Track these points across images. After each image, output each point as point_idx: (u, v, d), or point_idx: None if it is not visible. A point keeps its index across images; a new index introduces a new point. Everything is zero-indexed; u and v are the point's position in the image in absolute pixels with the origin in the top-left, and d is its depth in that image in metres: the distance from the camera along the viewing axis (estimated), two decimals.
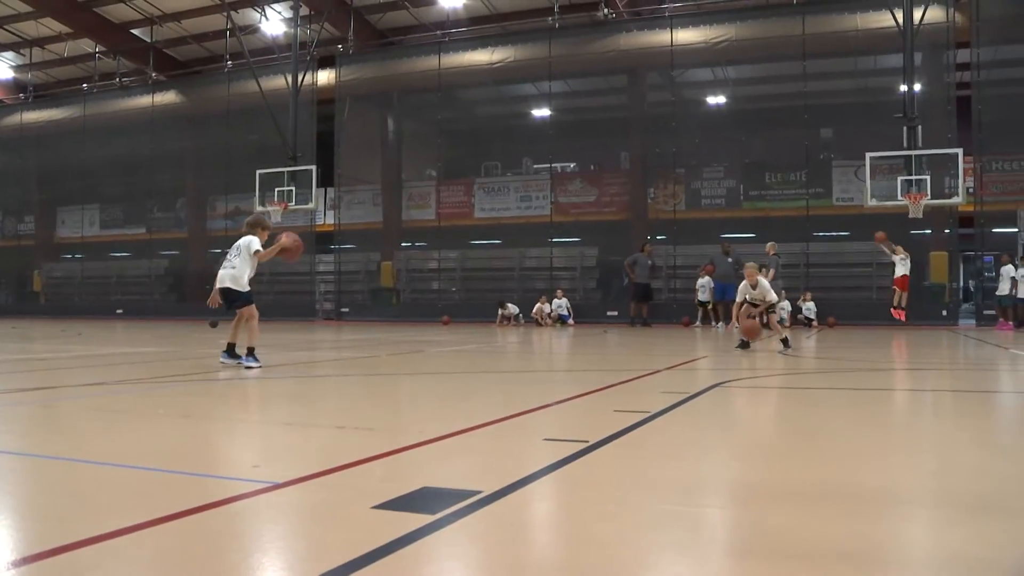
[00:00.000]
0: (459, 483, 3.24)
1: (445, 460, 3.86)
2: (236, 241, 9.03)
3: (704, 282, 23.09)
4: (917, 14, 21.32)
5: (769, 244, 22.13)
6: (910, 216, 20.96)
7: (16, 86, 39.86)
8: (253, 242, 8.79)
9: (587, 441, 4.12)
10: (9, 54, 37.81)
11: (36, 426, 5.18)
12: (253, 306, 8.85)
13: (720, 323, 21.87)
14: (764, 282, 11.91)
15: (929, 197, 20.71)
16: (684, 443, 4.50)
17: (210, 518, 2.76)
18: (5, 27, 34.90)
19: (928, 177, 20.78)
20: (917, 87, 21.89)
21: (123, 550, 2.46)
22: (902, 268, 20.52)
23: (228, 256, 8.89)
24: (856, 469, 3.77)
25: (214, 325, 20.81)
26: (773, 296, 11.95)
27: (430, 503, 2.91)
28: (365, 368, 9.40)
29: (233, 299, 8.77)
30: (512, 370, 9.61)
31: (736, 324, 12.01)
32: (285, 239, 8.89)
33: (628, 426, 4.67)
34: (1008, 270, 21.71)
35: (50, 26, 34.05)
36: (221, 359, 8.79)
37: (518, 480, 3.28)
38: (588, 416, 5.44)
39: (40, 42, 35.72)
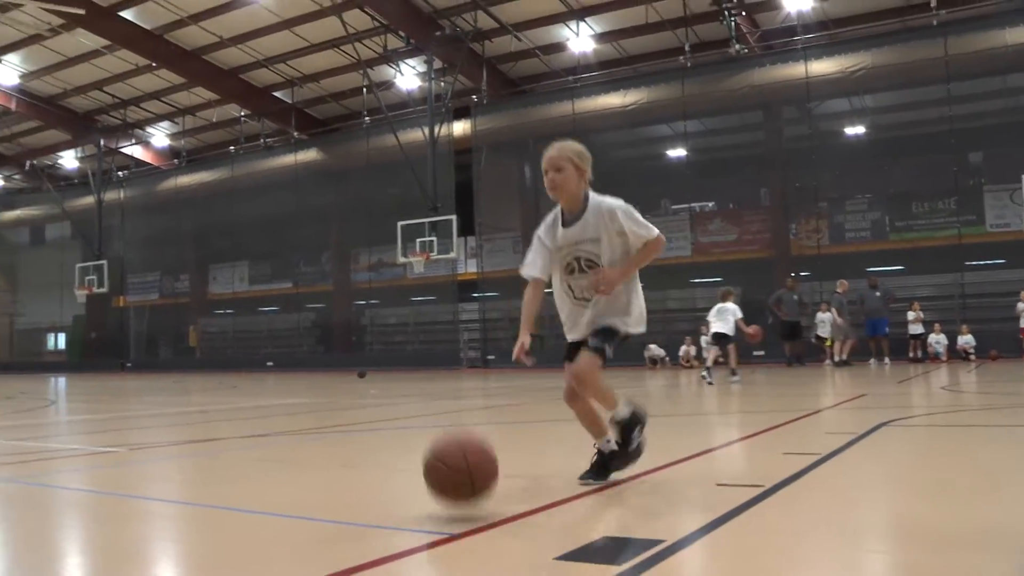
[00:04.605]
0: (639, 532, 3.16)
1: (620, 508, 3.78)
2: (718, 304, 14.24)
3: (825, 317, 22.20)
4: None
5: (840, 282, 22.18)
6: None
7: (171, 152, 41.96)
8: (738, 310, 14.02)
9: (762, 486, 3.97)
10: (165, 123, 39.90)
11: (206, 477, 5.30)
12: (734, 344, 14.10)
13: (884, 358, 21.29)
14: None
15: None
16: (864, 485, 4.30)
17: (393, 571, 2.74)
18: (162, 99, 36.91)
19: None
20: None
21: None
22: None
23: (718, 313, 13.98)
24: None
25: (362, 375, 21.29)
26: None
27: (613, 553, 2.83)
28: (518, 415, 9.39)
29: (728, 341, 13.91)
30: (667, 414, 9.43)
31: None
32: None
33: (801, 469, 4.49)
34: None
35: (200, 95, 35.82)
36: (705, 377, 13.72)
37: (700, 527, 3.17)
38: (758, 459, 5.28)
39: (191, 110, 37.60)
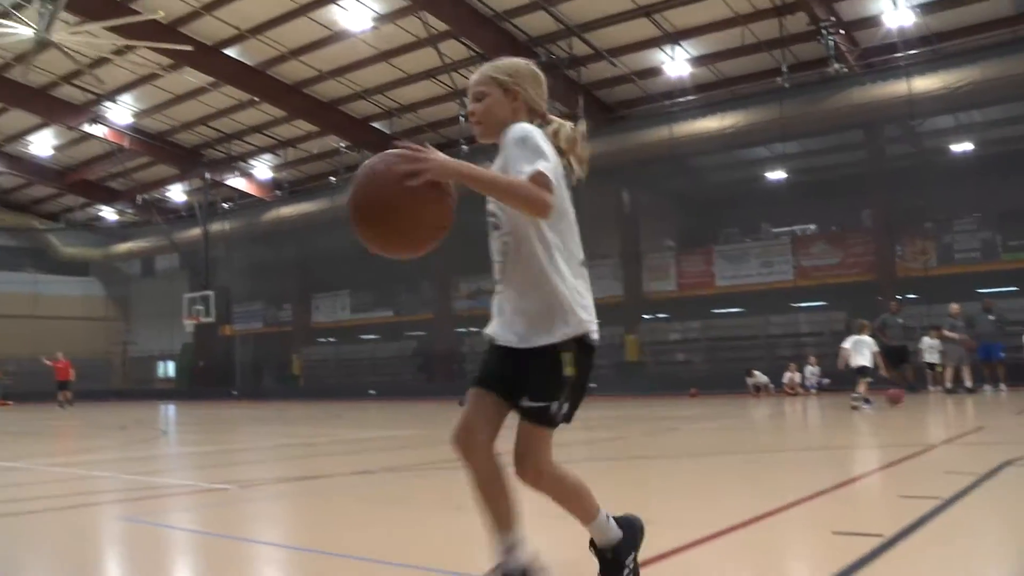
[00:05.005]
0: None
1: (733, 559, 3.68)
2: (854, 336, 15.20)
3: (933, 343, 21.50)
4: None
5: (951, 305, 21.56)
6: None
7: (273, 184, 42.98)
8: (873, 343, 15.11)
9: (882, 535, 3.82)
10: (267, 156, 40.94)
11: (316, 519, 5.31)
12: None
13: (1000, 384, 20.50)
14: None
15: None
16: (992, 537, 4.10)
17: None
18: (264, 132, 37.91)
19: None
20: None
21: None
22: None
23: (855, 345, 14.90)
24: None
25: (463, 404, 21.37)
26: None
27: None
28: (621, 450, 9.27)
29: (866, 373, 14.53)
30: (775, 449, 9.22)
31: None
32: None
33: (923, 515, 4.31)
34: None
35: (300, 127, 36.67)
36: (854, 401, 14.07)
37: None
38: (873, 503, 5.10)
39: (292, 142, 38.52)
